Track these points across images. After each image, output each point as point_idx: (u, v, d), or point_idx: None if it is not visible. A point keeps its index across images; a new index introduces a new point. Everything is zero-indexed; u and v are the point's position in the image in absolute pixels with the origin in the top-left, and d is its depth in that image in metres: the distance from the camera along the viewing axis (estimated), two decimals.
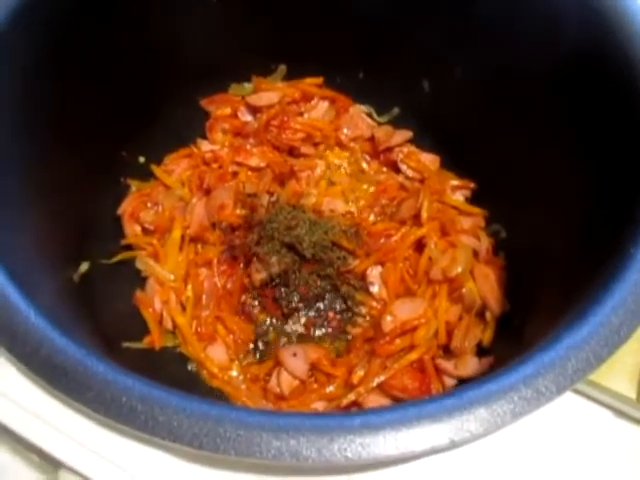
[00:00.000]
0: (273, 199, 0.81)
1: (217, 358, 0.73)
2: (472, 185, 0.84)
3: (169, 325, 0.74)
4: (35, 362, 0.36)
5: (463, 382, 0.68)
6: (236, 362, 0.75)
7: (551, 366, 0.37)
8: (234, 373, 0.74)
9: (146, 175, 0.83)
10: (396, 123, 0.90)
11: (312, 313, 0.79)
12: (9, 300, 0.40)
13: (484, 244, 0.77)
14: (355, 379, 0.68)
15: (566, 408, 0.42)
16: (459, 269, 0.71)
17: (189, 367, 0.74)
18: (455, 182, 0.84)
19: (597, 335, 0.38)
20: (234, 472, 0.38)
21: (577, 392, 0.45)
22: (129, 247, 0.78)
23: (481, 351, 0.71)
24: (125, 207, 0.79)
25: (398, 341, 0.68)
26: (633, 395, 0.46)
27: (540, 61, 0.66)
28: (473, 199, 0.85)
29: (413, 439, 0.34)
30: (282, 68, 0.89)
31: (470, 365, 0.68)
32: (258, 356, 0.76)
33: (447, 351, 0.71)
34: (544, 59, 0.66)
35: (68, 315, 0.58)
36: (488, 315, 0.72)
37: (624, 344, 0.38)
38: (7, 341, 0.38)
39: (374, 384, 0.66)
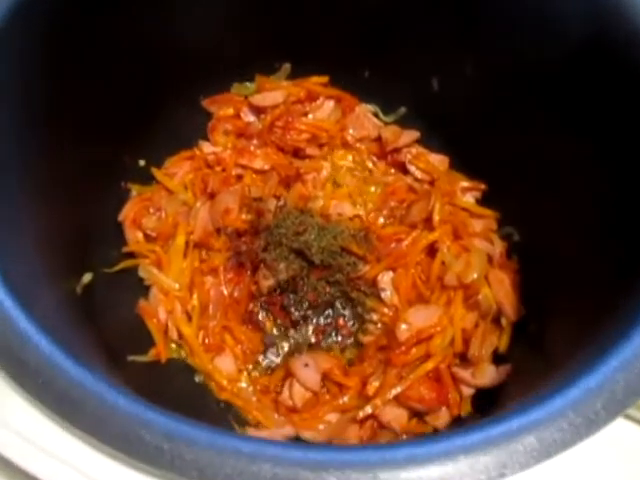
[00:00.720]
0: (280, 203, 0.79)
1: (225, 369, 0.71)
2: (483, 186, 0.82)
3: (175, 336, 0.72)
4: (49, 396, 0.33)
5: (481, 391, 0.67)
6: (245, 373, 0.72)
7: (599, 390, 0.35)
8: (243, 384, 0.71)
9: (147, 179, 0.80)
10: (403, 123, 0.88)
11: (322, 320, 0.76)
12: (17, 326, 0.37)
13: (498, 248, 0.75)
14: (370, 390, 0.66)
15: (617, 435, 0.40)
16: (475, 275, 0.69)
17: (196, 379, 0.71)
18: (465, 183, 0.82)
19: None
20: None
21: (629, 418, 0.43)
22: (131, 254, 0.75)
23: (497, 358, 0.69)
24: (126, 213, 0.76)
25: (414, 350, 0.66)
26: None
27: (550, 58, 0.65)
28: (483, 201, 0.83)
29: (461, 474, 0.32)
30: (286, 67, 0.86)
31: (488, 374, 0.66)
32: (267, 366, 0.73)
33: (463, 359, 0.69)
34: (554, 56, 0.64)
35: (72, 331, 0.55)
36: (504, 321, 0.70)
37: None
38: (15, 371, 0.35)
39: (391, 396, 0.64)
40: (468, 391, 0.66)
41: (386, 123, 0.88)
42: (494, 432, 0.33)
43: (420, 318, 0.68)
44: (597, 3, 0.58)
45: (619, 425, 0.34)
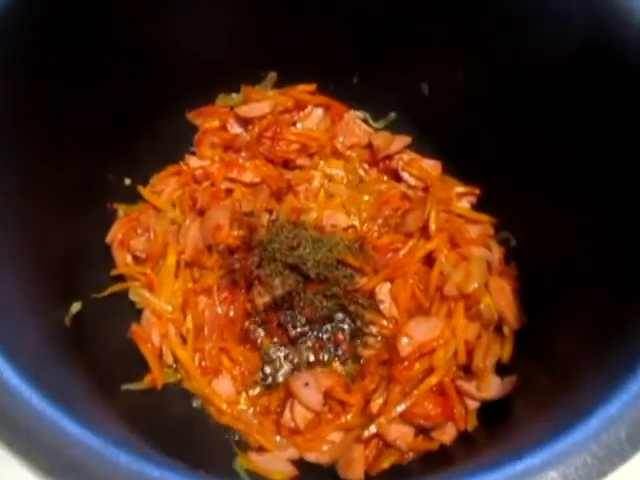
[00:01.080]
0: (273, 217, 0.77)
1: (224, 392, 0.69)
2: (477, 191, 0.80)
3: (170, 360, 0.70)
4: (43, 457, 0.31)
5: (487, 404, 0.66)
6: (244, 394, 0.70)
7: (620, 418, 0.34)
8: (243, 407, 0.69)
9: (133, 198, 0.77)
10: (393, 128, 0.86)
11: (320, 336, 0.75)
12: (3, 379, 0.35)
13: (496, 254, 0.74)
14: (374, 408, 0.64)
15: None
16: (475, 284, 0.68)
17: (194, 404, 0.69)
18: (460, 189, 0.80)
19: None
20: None
21: None
22: (121, 277, 0.73)
23: (500, 369, 0.68)
24: (114, 234, 0.73)
25: (417, 365, 0.65)
26: None
27: (543, 62, 0.64)
28: (478, 206, 0.81)
29: None
30: (272, 75, 0.83)
31: (493, 386, 0.65)
32: (266, 386, 0.71)
33: (466, 371, 0.68)
34: (546, 60, 0.63)
35: (61, 366, 0.52)
36: (506, 330, 0.69)
37: None
38: (5, 431, 0.33)
39: (395, 413, 0.63)
40: (473, 404, 0.65)
41: (376, 129, 0.87)
42: (516, 469, 0.32)
43: (422, 331, 0.67)
44: (593, 5, 0.56)
45: None
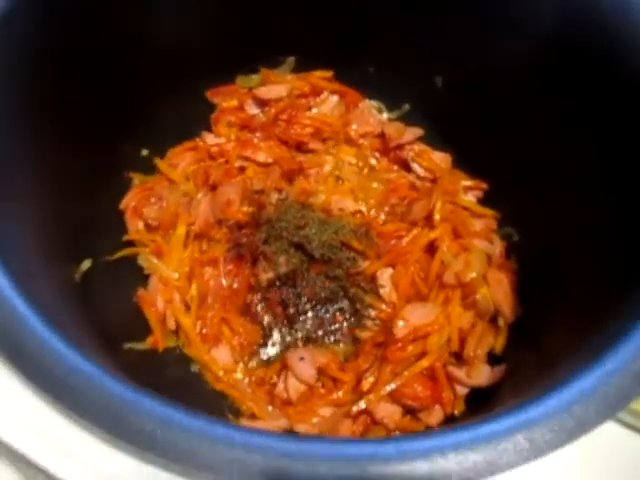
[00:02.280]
0: (282, 197, 0.79)
1: (221, 360, 0.71)
2: (484, 186, 0.82)
3: (172, 325, 0.72)
4: (45, 380, 0.33)
5: (475, 391, 0.67)
6: (241, 364, 0.72)
7: (592, 392, 0.35)
8: (239, 376, 0.71)
9: (149, 169, 0.80)
10: (407, 120, 0.88)
11: (320, 315, 0.76)
12: (15, 309, 0.38)
13: (497, 248, 0.75)
14: (365, 386, 0.66)
15: (607, 438, 0.40)
16: (473, 274, 0.69)
17: (192, 368, 0.71)
18: (467, 182, 0.82)
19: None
20: None
21: (619, 421, 0.43)
22: (131, 243, 0.75)
23: (492, 358, 0.70)
24: (128, 201, 0.76)
25: (410, 347, 0.67)
26: None
27: (552, 58, 0.65)
28: (484, 200, 0.83)
29: (450, 471, 0.32)
30: (290, 60, 0.86)
31: (483, 374, 0.66)
32: (264, 359, 0.74)
33: (458, 358, 0.69)
34: (556, 57, 0.64)
35: (68, 316, 0.55)
36: (501, 321, 0.70)
37: None
38: (12, 354, 0.35)
39: (385, 392, 0.64)
40: (462, 390, 0.67)
41: (390, 119, 0.88)
42: (484, 430, 0.34)
43: (417, 315, 0.69)
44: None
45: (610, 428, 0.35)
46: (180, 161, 0.81)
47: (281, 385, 0.68)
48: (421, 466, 0.32)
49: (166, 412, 0.33)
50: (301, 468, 0.31)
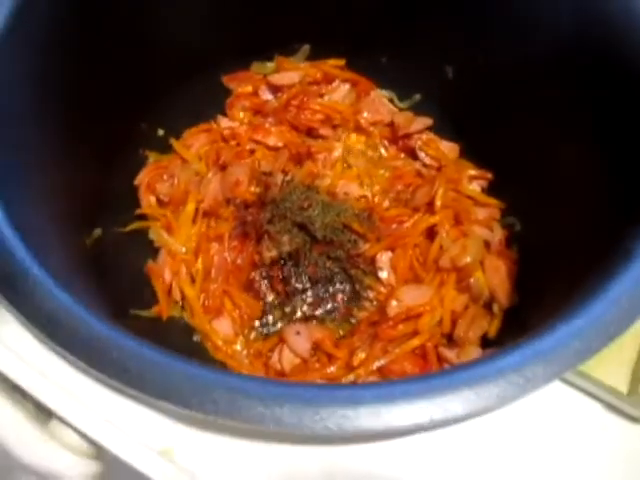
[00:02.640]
0: (287, 178, 0.81)
1: (222, 331, 0.74)
2: (489, 176, 0.83)
3: (178, 296, 0.75)
4: (38, 317, 0.37)
5: None
6: (241, 337, 0.75)
7: (542, 354, 0.37)
8: (238, 347, 0.74)
9: (165, 148, 0.84)
10: (417, 109, 0.89)
11: (319, 294, 0.79)
12: (15, 255, 0.41)
13: (497, 235, 0.76)
14: (356, 361, 0.68)
15: (557, 399, 0.42)
16: (468, 259, 0.70)
17: (194, 338, 0.75)
18: (473, 172, 0.83)
19: (588, 329, 0.38)
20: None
21: (568, 383, 0.44)
22: (144, 217, 0.79)
23: (487, 343, 0.71)
24: (142, 178, 0.80)
25: (401, 326, 0.68)
26: (624, 389, 0.45)
27: (561, 51, 0.66)
28: (490, 190, 0.84)
29: (395, 415, 0.34)
30: (305, 48, 0.88)
31: (473, 355, 0.67)
32: (263, 333, 0.76)
33: (451, 340, 0.71)
34: (565, 50, 0.65)
35: (77, 276, 0.59)
36: (495, 307, 0.71)
37: (616, 339, 0.37)
38: (9, 293, 0.39)
39: (374, 367, 0.66)
40: None
41: (400, 109, 0.90)
42: (434, 382, 0.35)
43: (411, 296, 0.70)
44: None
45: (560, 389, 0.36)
46: (194, 142, 0.85)
47: (276, 356, 0.71)
48: (369, 414, 0.34)
49: (139, 348, 0.36)
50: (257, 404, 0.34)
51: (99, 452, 0.38)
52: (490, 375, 0.36)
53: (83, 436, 0.37)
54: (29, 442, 0.37)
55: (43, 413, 0.39)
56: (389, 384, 0.35)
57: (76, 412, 0.38)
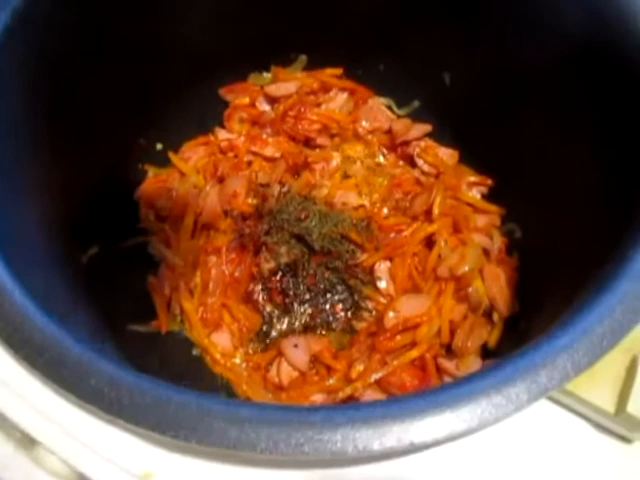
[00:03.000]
0: (284, 189, 0.81)
1: (221, 344, 0.74)
2: (489, 182, 0.82)
3: (177, 310, 0.76)
4: (15, 340, 0.37)
5: None
6: (240, 350, 0.75)
7: (525, 373, 0.36)
8: (237, 360, 0.74)
9: (164, 162, 0.85)
10: (416, 116, 0.89)
11: (318, 305, 0.78)
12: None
13: (496, 243, 0.75)
14: (354, 373, 0.68)
15: (544, 418, 0.41)
16: (466, 267, 0.69)
17: (193, 352, 0.75)
18: (472, 178, 0.82)
19: (577, 344, 0.37)
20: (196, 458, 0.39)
21: (556, 402, 0.43)
22: (143, 231, 0.80)
23: (487, 353, 0.70)
24: (141, 192, 0.81)
25: (399, 338, 0.68)
26: (612, 409, 0.43)
27: (560, 57, 0.64)
28: (490, 196, 0.83)
29: (371, 439, 0.33)
30: (302, 58, 0.88)
31: (473, 366, 0.66)
32: (262, 345, 0.76)
33: (450, 351, 0.70)
34: (564, 55, 0.64)
35: (68, 296, 0.59)
36: (495, 316, 0.70)
37: (606, 355, 0.36)
38: None
39: (372, 380, 0.66)
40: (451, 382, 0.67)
41: (399, 116, 0.90)
42: (413, 404, 0.35)
43: (409, 307, 0.70)
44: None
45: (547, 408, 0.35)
46: (192, 154, 0.85)
47: (274, 370, 0.71)
48: (359, 434, 0.34)
49: (116, 373, 0.36)
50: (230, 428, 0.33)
51: (82, 477, 0.38)
52: (474, 394, 0.35)
53: (64, 462, 0.37)
54: (15, 467, 0.37)
55: (26, 438, 0.39)
56: (370, 407, 0.35)
57: (55, 438, 0.38)
